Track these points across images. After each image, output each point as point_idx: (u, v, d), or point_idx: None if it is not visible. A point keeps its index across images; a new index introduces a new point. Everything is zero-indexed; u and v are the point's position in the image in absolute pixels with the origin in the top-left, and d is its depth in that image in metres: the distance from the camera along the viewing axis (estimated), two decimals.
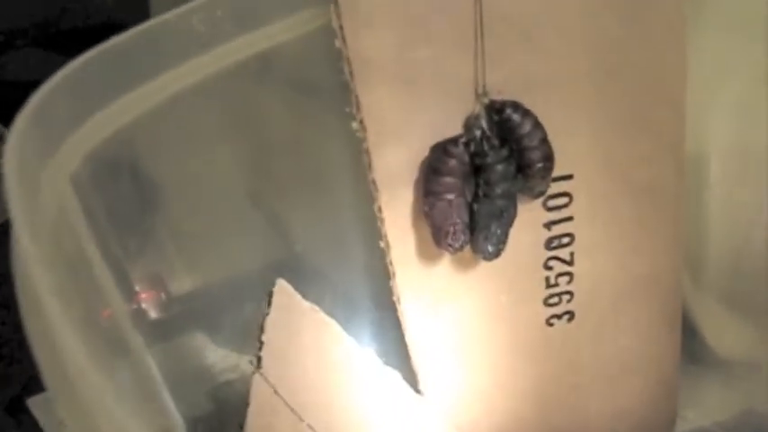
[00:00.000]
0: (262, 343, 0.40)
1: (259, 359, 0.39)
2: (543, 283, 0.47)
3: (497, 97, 0.42)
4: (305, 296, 0.44)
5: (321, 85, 0.43)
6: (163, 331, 0.46)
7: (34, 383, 0.30)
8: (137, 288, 0.43)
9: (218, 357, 0.48)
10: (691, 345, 0.53)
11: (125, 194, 0.40)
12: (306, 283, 0.45)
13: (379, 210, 0.42)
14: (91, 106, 0.36)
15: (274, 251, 0.49)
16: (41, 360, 0.29)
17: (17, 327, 0.29)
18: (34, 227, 0.29)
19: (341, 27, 0.39)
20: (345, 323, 0.46)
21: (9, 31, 0.74)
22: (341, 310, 0.47)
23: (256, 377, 0.39)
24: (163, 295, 0.45)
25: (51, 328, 0.27)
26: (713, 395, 0.56)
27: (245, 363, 0.46)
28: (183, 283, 0.47)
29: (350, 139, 0.41)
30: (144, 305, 0.44)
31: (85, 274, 0.36)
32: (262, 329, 0.40)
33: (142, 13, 0.74)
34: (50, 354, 0.28)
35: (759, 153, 0.51)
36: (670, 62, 0.44)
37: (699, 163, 0.52)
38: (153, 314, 0.45)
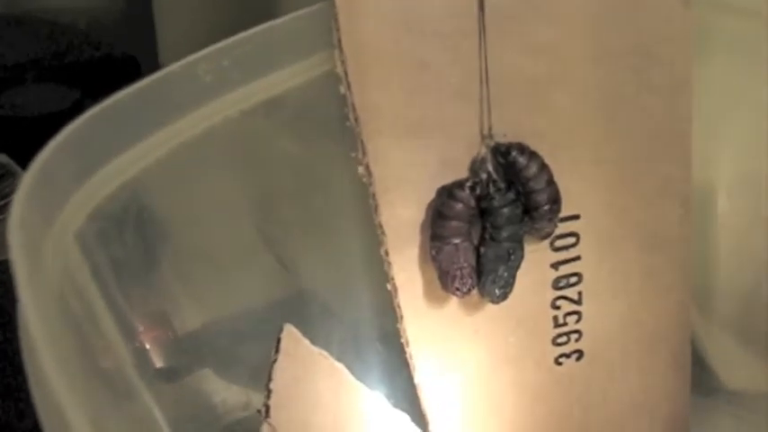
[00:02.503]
0: (270, 391, 0.40)
1: (267, 408, 0.39)
2: (551, 323, 0.47)
3: (503, 140, 0.42)
4: (313, 336, 0.44)
5: (328, 129, 0.43)
6: (170, 372, 0.45)
7: None
8: (143, 332, 0.43)
9: (227, 395, 0.48)
10: (700, 377, 0.52)
11: (131, 246, 0.40)
12: (314, 324, 0.45)
13: (386, 253, 0.42)
14: (95, 163, 0.36)
15: (282, 292, 0.49)
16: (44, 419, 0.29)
17: None
18: (38, 294, 0.29)
19: (345, 73, 0.39)
20: (353, 365, 0.45)
21: (17, 65, 0.75)
22: (349, 351, 0.46)
23: (265, 427, 0.39)
24: (170, 336, 0.45)
25: (55, 400, 0.27)
26: (724, 428, 0.55)
27: (255, 399, 0.46)
28: (190, 323, 0.47)
29: (357, 182, 0.41)
30: (151, 348, 0.44)
31: (91, 329, 0.36)
32: (269, 377, 0.40)
33: (149, 45, 0.74)
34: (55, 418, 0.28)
35: (766, 185, 0.51)
36: (677, 103, 0.44)
37: (706, 195, 0.52)
38: (160, 356, 0.44)
